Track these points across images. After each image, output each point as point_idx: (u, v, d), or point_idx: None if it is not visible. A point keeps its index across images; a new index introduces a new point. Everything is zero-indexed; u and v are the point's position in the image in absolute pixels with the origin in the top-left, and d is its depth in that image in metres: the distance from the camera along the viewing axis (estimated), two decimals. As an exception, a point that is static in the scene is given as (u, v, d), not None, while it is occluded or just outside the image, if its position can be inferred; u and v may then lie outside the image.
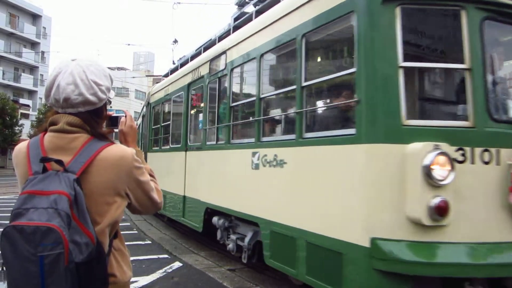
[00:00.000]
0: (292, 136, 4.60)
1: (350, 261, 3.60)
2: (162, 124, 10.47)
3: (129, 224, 10.83)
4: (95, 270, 1.46)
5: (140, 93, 63.10)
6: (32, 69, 51.44)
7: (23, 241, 1.34)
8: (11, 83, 47.73)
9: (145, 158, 10.76)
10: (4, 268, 1.42)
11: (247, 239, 5.77)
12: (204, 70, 7.49)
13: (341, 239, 3.70)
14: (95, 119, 1.67)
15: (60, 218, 1.36)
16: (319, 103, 4.94)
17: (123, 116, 1.88)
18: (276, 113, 5.68)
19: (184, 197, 8.11)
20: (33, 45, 51.66)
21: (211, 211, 6.84)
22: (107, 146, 1.60)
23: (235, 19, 7.30)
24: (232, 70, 6.29)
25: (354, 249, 3.53)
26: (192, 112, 8.48)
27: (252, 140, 5.49)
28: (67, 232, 1.36)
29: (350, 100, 3.88)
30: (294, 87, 4.64)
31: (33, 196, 1.41)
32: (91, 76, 1.61)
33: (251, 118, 5.77)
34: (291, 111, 4.92)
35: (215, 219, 6.68)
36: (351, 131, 3.74)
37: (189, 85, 8.43)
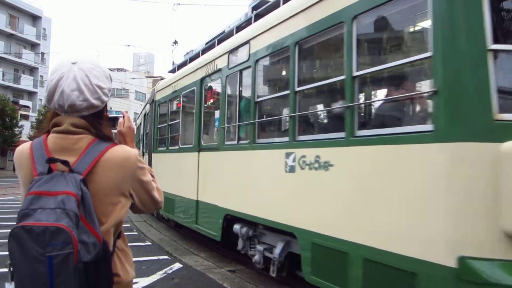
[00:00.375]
0: (340, 134, 3.96)
1: (429, 283, 3.00)
2: (170, 123, 9.79)
3: (129, 225, 10.81)
4: (101, 269, 1.47)
5: (140, 94, 63.16)
6: (32, 70, 51.65)
7: (31, 242, 1.34)
8: (11, 84, 47.93)
9: (150, 159, 11.89)
10: (12, 268, 1.42)
11: (277, 251, 5.14)
12: (222, 63, 6.83)
13: (415, 257, 3.08)
14: (97, 120, 1.68)
15: (69, 218, 1.37)
16: (378, 95, 4.27)
17: (121, 117, 1.88)
18: (315, 108, 5.05)
19: (197, 201, 7.46)
20: (33, 46, 51.86)
21: (231, 218, 6.22)
22: (112, 147, 1.61)
23: (254, 8, 6.79)
24: (257, 61, 5.64)
25: (434, 269, 2.93)
26: (206, 109, 7.85)
27: (285, 139, 4.86)
28: (76, 232, 1.37)
29: (424, 91, 3.28)
30: (341, 77, 3.98)
31: (40, 197, 1.41)
32: (95, 80, 1.62)
33: (284, 114, 5.18)
34: (337, 105, 4.33)
35: (236, 227, 6.02)
36: (426, 127, 3.14)
37: (202, 79, 7.75)
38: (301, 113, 4.77)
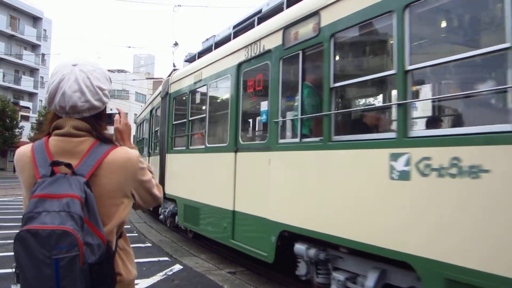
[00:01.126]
0: (504, 127, 2.78)
1: None
2: (191, 118, 8.42)
3: (129, 226, 10.69)
4: (105, 270, 1.49)
5: (140, 96, 63.25)
6: (32, 71, 52.06)
7: (37, 245, 1.35)
8: (12, 85, 48.31)
9: (162, 160, 10.25)
10: (18, 271, 1.43)
11: (369, 283, 3.83)
12: (272, 43, 5.53)
13: None
14: (98, 122, 1.69)
15: (74, 221, 1.39)
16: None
17: (116, 113, 1.87)
18: (447, 91, 3.84)
19: (234, 212, 6.13)
20: (34, 47, 52.23)
21: (289, 235, 4.99)
22: (113, 149, 1.63)
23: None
24: (333, 35, 4.36)
25: None
26: (246, 100, 6.52)
27: (389, 135, 3.72)
28: (81, 234, 1.39)
29: None
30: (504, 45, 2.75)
31: (44, 200, 1.42)
32: (96, 82, 1.64)
33: (390, 102, 4.13)
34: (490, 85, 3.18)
35: (300, 248, 4.75)
36: None
37: (240, 65, 6.39)
38: (417, 100, 3.63)
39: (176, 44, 17.90)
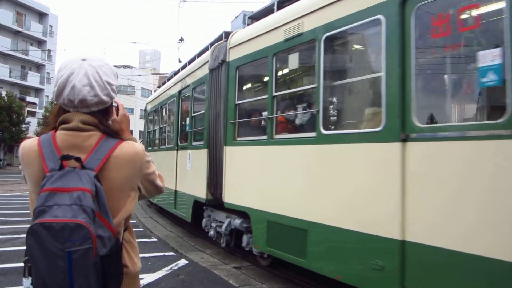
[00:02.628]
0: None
1: None
2: (277, 94, 5.69)
3: (135, 221, 10.70)
4: (115, 262, 1.52)
5: (146, 91, 63.30)
6: (38, 67, 52.21)
7: (51, 238, 1.37)
8: (18, 81, 48.53)
9: (216, 155, 7.07)
10: (30, 264, 1.45)
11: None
12: None
13: None
14: (105, 117, 1.72)
15: (86, 214, 1.41)
16: None
17: (114, 105, 1.89)
18: None
19: (404, 243, 3.61)
20: (40, 43, 52.35)
21: None
22: (120, 143, 1.66)
23: None
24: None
25: None
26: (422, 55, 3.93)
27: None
28: (94, 227, 1.42)
29: None
30: None
31: (55, 193, 1.44)
32: (104, 77, 1.66)
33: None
34: None
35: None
36: None
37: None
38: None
39: (181, 39, 17.96)
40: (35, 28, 49.79)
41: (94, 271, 1.41)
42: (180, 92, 9.98)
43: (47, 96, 50.77)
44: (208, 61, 7.71)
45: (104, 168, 1.57)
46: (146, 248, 7.55)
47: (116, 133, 1.70)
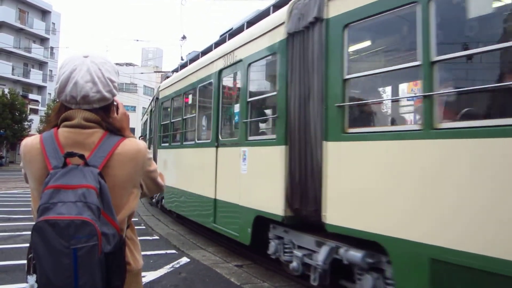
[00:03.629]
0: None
1: None
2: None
3: (137, 219, 10.72)
4: (118, 259, 1.52)
5: (149, 89, 63.34)
6: (41, 64, 52.30)
7: (56, 235, 1.37)
8: (21, 78, 48.63)
9: (315, 153, 4.56)
10: (34, 261, 1.44)
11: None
12: None
13: None
14: (107, 114, 1.71)
15: (91, 211, 1.41)
16: None
17: (114, 104, 1.90)
18: None
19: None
20: (42, 40, 52.45)
21: None
22: (123, 141, 1.66)
23: None
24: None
25: None
26: None
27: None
28: (99, 224, 1.41)
29: None
30: None
31: (59, 191, 1.43)
32: (107, 73, 1.67)
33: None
34: None
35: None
36: None
37: None
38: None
39: (184, 37, 17.95)
40: (37, 26, 49.88)
41: (99, 268, 1.41)
42: (220, 72, 7.44)
43: (50, 94, 50.90)
44: (283, 22, 5.38)
45: (107, 165, 1.57)
46: (148, 246, 7.56)
47: (118, 130, 1.70)
